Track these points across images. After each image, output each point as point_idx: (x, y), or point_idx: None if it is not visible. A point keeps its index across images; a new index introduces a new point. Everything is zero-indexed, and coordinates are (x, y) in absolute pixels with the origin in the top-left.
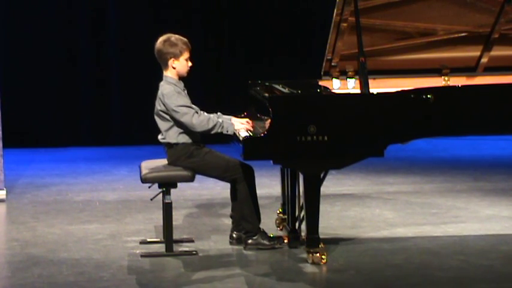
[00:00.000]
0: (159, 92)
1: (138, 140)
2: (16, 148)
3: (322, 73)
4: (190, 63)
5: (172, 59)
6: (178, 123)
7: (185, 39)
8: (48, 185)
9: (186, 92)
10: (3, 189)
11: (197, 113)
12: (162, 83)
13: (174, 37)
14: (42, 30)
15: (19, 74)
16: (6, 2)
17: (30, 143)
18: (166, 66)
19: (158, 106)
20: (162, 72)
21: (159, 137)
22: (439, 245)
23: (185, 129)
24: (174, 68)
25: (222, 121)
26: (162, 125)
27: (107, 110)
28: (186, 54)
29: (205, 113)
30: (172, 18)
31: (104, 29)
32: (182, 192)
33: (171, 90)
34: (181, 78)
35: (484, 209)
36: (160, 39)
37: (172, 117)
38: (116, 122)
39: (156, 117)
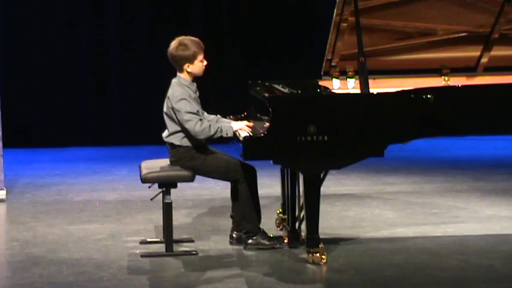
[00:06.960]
0: (170, 92)
1: (138, 140)
2: (16, 148)
3: (322, 73)
4: (205, 63)
5: (187, 63)
6: (183, 128)
7: (197, 40)
8: (48, 185)
9: (198, 94)
10: (3, 189)
11: (201, 120)
12: (174, 83)
13: (186, 39)
14: (42, 30)
15: (19, 74)
16: (7, 2)
17: (30, 143)
18: (181, 70)
19: (166, 106)
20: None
21: (164, 134)
22: (439, 245)
23: (189, 134)
24: (189, 72)
25: (221, 125)
26: (169, 124)
27: (107, 110)
28: (200, 56)
29: (207, 120)
30: (172, 18)
31: (104, 29)
32: (182, 192)
33: (180, 94)
34: (195, 78)
35: (484, 209)
36: (173, 44)
37: (177, 120)
38: (116, 122)
39: (164, 116)
